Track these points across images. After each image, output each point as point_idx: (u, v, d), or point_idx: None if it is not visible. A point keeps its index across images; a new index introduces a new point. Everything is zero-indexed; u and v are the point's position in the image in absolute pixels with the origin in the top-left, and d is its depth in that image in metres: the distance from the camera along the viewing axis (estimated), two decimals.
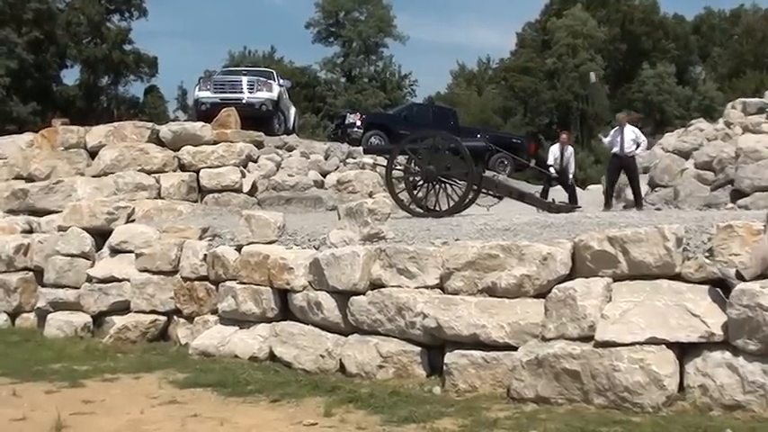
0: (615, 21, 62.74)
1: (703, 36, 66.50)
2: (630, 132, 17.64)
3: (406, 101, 57.04)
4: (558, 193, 18.82)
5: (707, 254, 8.13)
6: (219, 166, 16.86)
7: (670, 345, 7.55)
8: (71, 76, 52.55)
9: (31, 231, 14.91)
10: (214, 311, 11.30)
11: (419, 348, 9.01)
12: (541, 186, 20.70)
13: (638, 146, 17.71)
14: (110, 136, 17.21)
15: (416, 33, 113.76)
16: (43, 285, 13.53)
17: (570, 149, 20.06)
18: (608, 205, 17.56)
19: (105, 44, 48.57)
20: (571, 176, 20.02)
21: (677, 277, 8.06)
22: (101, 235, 13.34)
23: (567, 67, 58.66)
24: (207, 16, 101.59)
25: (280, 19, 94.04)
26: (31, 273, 13.98)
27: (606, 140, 18.09)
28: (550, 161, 19.85)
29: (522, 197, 14.83)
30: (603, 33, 60.36)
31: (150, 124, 17.89)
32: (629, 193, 18.32)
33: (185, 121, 24.42)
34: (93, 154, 17.15)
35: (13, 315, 13.86)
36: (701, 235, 8.54)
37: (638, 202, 17.50)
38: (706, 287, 7.90)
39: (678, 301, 7.75)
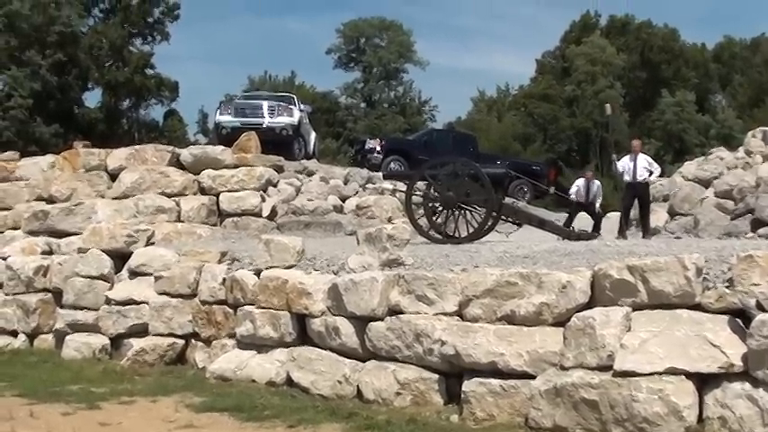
0: (635, 48, 62.70)
1: (724, 64, 66.30)
2: (643, 160, 17.60)
3: (425, 126, 57.10)
4: (581, 221, 18.77)
5: (727, 284, 8.08)
6: (239, 190, 16.91)
7: (689, 375, 7.50)
8: (93, 98, 52.84)
9: (50, 253, 14.99)
10: (232, 335, 11.32)
11: (437, 376, 8.99)
12: (563, 213, 20.65)
13: (650, 173, 17.66)
14: (130, 159, 17.31)
15: (435, 58, 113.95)
16: (62, 307, 13.57)
17: (597, 184, 19.93)
18: (622, 233, 17.48)
19: (127, 68, 48.88)
20: (598, 206, 19.91)
21: (697, 307, 8.01)
22: (120, 257, 13.40)
23: (586, 94, 58.62)
24: (228, 41, 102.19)
25: (300, 44, 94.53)
26: (50, 294, 14.05)
27: (618, 165, 18.01)
28: (572, 191, 19.79)
29: (542, 224, 14.81)
30: (623, 61, 60.33)
31: (171, 148, 18.00)
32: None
33: (206, 144, 24.52)
34: (113, 176, 17.25)
35: (32, 336, 13.92)
36: (722, 264, 8.48)
37: (645, 231, 17.43)
38: (726, 317, 7.85)
39: (698, 331, 7.70)
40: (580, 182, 19.84)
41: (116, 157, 17.54)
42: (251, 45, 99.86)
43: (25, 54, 42.17)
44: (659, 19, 68.96)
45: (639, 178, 17.40)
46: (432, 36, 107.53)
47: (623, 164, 17.74)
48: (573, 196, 19.62)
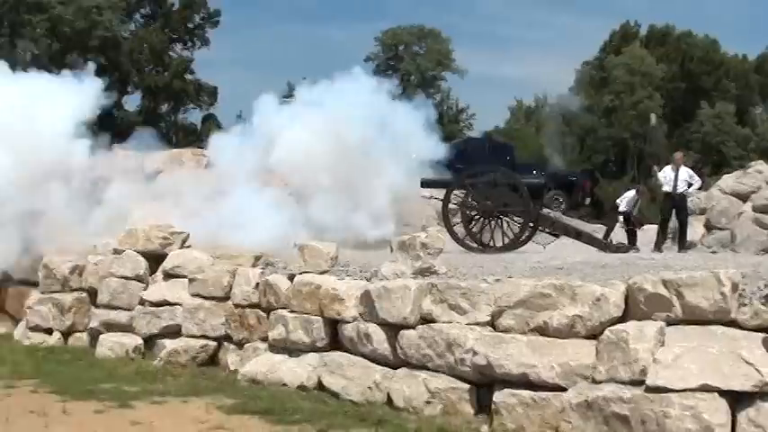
0: (675, 59, 62.19)
1: (765, 75, 65.54)
2: (684, 173, 17.50)
3: (462, 135, 56.99)
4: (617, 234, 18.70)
5: (763, 300, 7.99)
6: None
7: (723, 393, 7.41)
8: (133, 102, 53.40)
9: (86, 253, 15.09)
10: (264, 339, 11.35)
11: (468, 385, 8.96)
12: (600, 225, 20.57)
13: (689, 186, 17.56)
14: (168, 162, 17.44)
15: (474, 67, 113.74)
16: (96, 306, 13.69)
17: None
18: (659, 246, 17.36)
19: (167, 72, 49.36)
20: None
21: (732, 323, 7.95)
22: (155, 259, 13.49)
23: (624, 104, 58.25)
24: (267, 48, 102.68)
25: (339, 52, 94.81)
26: (85, 293, 14.15)
27: (660, 176, 17.90)
28: (623, 208, 19.62)
29: (578, 236, 14.76)
30: (662, 71, 59.86)
31: (207, 151, 18.12)
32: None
33: None
34: (150, 179, 17.37)
35: (66, 334, 14.03)
36: (758, 281, 8.40)
37: (681, 244, 17.30)
38: (761, 335, 7.77)
39: (732, 348, 7.63)
40: (630, 194, 19.59)
41: (153, 159, 17.69)
42: (290, 52, 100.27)
43: (67, 58, 42.69)
44: (700, 29, 68.25)
45: (679, 190, 17.30)
46: (470, 44, 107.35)
47: (664, 174, 17.63)
48: (622, 208, 19.37)
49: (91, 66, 20.93)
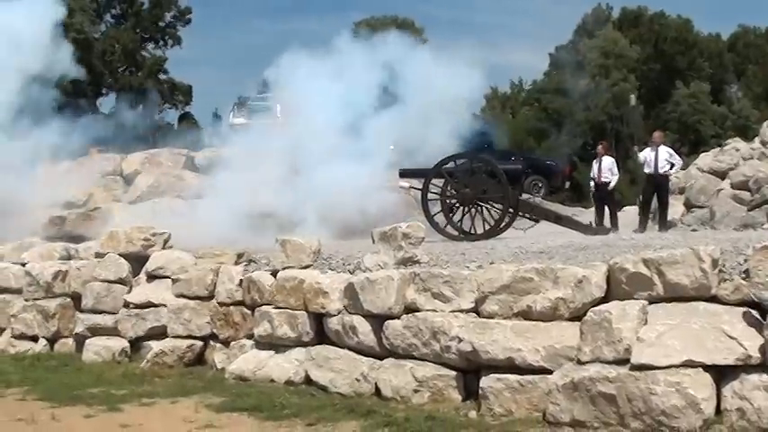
0: (648, 40, 62.42)
1: (738, 54, 65.91)
2: (665, 152, 17.53)
3: None
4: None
5: (743, 275, 8.06)
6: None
7: (707, 368, 7.49)
8: (107, 104, 53.25)
9: (69, 258, 15.04)
10: (250, 336, 11.36)
11: (454, 372, 9.01)
12: (578, 208, 20.63)
13: (672, 166, 17.61)
14: (145, 163, 17.42)
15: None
16: (81, 311, 13.62)
17: (611, 160, 19.54)
18: (643, 226, 17.45)
19: (141, 72, 49.18)
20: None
21: (713, 299, 8.02)
22: (138, 261, 13.45)
23: (599, 87, 58.42)
24: (239, 43, 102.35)
25: (312, 45, 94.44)
26: (69, 299, 14.08)
27: (640, 156, 17.98)
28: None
29: (558, 220, 14.81)
30: (636, 53, 60.06)
31: (185, 151, 18.11)
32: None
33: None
34: (129, 181, 17.35)
35: (52, 340, 13.97)
36: (738, 256, 8.48)
37: (662, 224, 17.39)
38: (742, 309, 7.84)
39: (714, 323, 7.69)
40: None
41: (131, 161, 17.65)
42: (263, 47, 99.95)
43: None
44: (672, 10, 68.54)
45: (661, 170, 17.34)
46: (444, 33, 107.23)
47: (644, 155, 17.69)
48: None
49: None
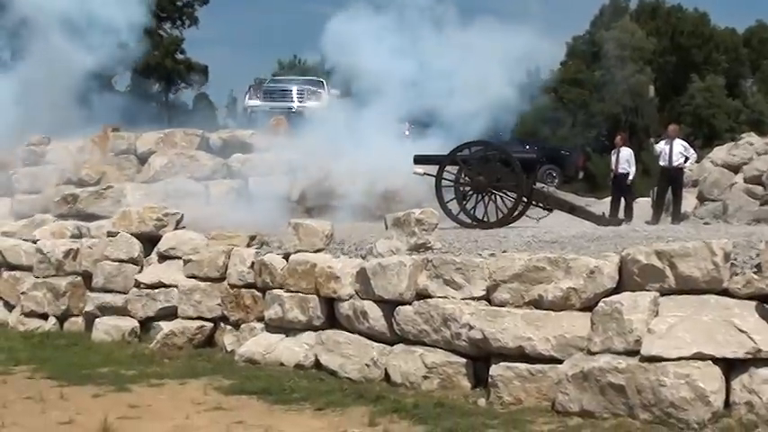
0: (665, 33, 62.08)
1: (754, 48, 65.50)
2: (679, 145, 17.46)
3: None
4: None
5: (755, 269, 8.06)
6: (268, 174, 16.95)
7: (716, 360, 7.49)
8: (122, 82, 53.22)
9: (80, 236, 15.07)
10: (260, 319, 11.38)
11: (464, 360, 9.03)
12: (591, 199, 20.56)
13: (686, 159, 17.55)
14: (160, 143, 17.42)
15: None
16: (92, 290, 13.65)
17: (629, 151, 19.49)
18: (656, 218, 17.41)
19: (157, 52, 49.08)
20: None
21: (724, 293, 8.01)
22: (149, 241, 13.47)
23: (615, 79, 58.15)
24: (257, 25, 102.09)
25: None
26: (79, 277, 14.12)
27: (656, 149, 17.89)
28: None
29: (572, 210, 14.76)
30: (653, 45, 59.75)
31: (200, 132, 18.09)
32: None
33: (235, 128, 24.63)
34: (143, 160, 17.36)
35: (62, 319, 14.02)
36: (750, 250, 8.48)
37: (675, 216, 17.33)
38: (753, 303, 7.83)
39: (725, 316, 7.69)
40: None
41: (145, 140, 17.66)
42: (280, 29, 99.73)
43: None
44: (690, 3, 68.05)
45: (675, 163, 17.28)
46: (465, 17, 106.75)
47: (659, 148, 17.62)
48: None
49: None
